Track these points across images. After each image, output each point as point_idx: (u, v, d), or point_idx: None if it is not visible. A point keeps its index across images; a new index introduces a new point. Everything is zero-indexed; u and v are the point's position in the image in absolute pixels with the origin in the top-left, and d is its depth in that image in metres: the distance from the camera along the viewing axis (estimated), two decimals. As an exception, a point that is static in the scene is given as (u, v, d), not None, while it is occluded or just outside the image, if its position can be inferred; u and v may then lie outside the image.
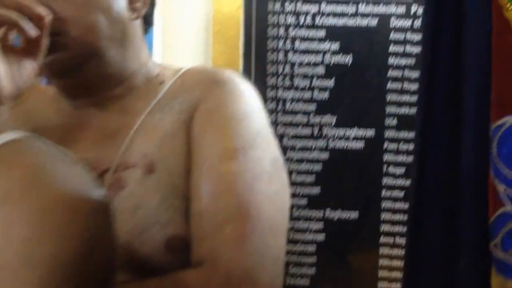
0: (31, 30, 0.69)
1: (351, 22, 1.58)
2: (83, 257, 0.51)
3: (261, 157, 0.75)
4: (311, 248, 1.57)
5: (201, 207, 0.72)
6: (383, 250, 1.56)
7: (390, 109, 1.57)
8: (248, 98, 0.81)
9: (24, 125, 0.80)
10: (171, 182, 0.74)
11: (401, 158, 1.56)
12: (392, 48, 1.57)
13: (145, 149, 0.76)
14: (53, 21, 0.73)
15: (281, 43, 1.59)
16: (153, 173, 0.74)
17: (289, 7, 1.59)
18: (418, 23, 1.57)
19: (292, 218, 1.57)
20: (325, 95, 1.58)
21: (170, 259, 0.72)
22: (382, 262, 1.56)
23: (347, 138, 1.57)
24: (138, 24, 0.84)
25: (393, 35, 1.57)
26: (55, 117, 0.83)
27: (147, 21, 0.87)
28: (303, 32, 1.59)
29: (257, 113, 0.80)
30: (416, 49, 1.56)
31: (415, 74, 1.56)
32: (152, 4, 0.87)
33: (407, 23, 1.57)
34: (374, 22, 1.58)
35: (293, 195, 1.57)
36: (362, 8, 1.57)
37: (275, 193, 0.75)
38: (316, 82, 1.58)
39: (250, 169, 0.73)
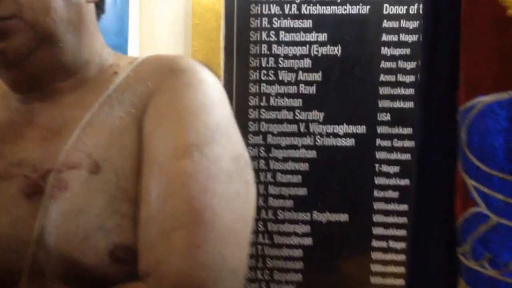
0: None
1: (340, 10, 1.47)
2: None
3: (219, 154, 0.66)
4: (298, 253, 1.46)
5: (148, 212, 0.64)
6: (376, 255, 1.44)
7: (382, 104, 1.45)
8: (207, 88, 0.71)
9: None
10: (117, 184, 0.66)
11: (394, 156, 1.44)
12: (385, 37, 1.46)
13: (90, 147, 0.68)
14: (4, 2, 0.66)
15: (264, 34, 1.49)
16: (98, 174, 0.66)
17: (273, -5, 1.49)
18: (413, 9, 1.45)
19: (277, 221, 1.47)
20: (312, 89, 1.47)
21: (115, 271, 0.64)
22: (375, 267, 1.44)
23: (336, 135, 1.46)
24: (92, 8, 0.77)
25: (386, 23, 1.46)
26: (3, 114, 0.76)
27: (100, 7, 0.80)
28: (288, 23, 1.49)
29: (217, 105, 0.71)
30: (412, 38, 1.45)
31: (410, 65, 1.45)
32: None
33: (401, 9, 1.46)
34: (365, 9, 1.47)
35: (278, 197, 1.47)
36: (352, -6, 1.47)
37: (235, 195, 0.65)
38: (302, 76, 1.48)
39: (206, 168, 0.64)
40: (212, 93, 0.71)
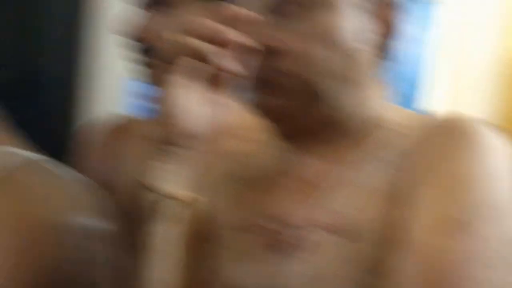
0: (232, 65, 0.60)
1: None
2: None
3: (490, 234, 0.57)
4: None
5: None
6: None
7: None
8: (490, 157, 0.60)
9: (232, 170, 0.75)
10: (361, 252, 0.61)
11: None
12: None
13: (336, 206, 0.64)
14: (285, 58, 0.64)
15: None
16: (341, 237, 0.62)
17: None
18: None
19: None
20: None
21: None
22: None
23: None
24: (369, 56, 0.69)
25: None
26: (261, 161, 0.75)
27: (386, 53, 0.71)
28: None
29: (498, 178, 0.60)
30: None
31: None
32: (394, 32, 0.69)
33: None
34: None
35: None
36: None
37: (502, 285, 0.56)
38: None
39: (471, 250, 0.56)
40: (494, 162, 0.60)
